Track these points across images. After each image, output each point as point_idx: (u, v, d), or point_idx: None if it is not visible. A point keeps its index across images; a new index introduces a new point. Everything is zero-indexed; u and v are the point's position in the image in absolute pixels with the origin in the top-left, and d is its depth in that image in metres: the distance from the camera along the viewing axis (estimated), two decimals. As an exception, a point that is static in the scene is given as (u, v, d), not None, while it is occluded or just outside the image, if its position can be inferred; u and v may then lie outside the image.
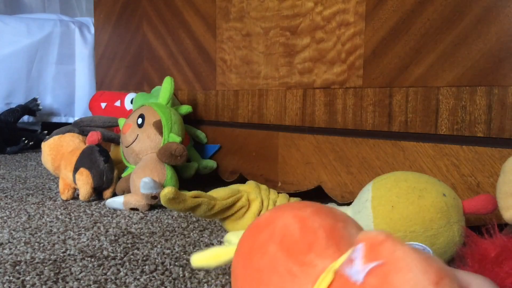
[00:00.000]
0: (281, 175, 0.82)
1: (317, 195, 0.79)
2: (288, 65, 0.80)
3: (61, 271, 0.52)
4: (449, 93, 0.59)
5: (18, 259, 0.56)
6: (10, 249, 0.59)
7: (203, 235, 0.66)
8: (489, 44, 0.55)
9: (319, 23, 0.74)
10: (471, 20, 0.57)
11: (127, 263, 0.55)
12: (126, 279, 0.50)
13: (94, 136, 0.88)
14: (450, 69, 0.59)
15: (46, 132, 1.76)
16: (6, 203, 0.84)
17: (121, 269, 0.53)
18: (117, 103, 1.19)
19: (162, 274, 0.52)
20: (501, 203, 0.43)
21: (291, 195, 0.60)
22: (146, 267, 0.54)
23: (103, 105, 1.22)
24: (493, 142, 0.56)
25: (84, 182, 0.84)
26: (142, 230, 0.68)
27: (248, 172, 0.89)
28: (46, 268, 0.53)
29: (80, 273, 0.52)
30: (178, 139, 0.85)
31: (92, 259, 0.56)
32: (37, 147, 1.69)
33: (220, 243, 0.63)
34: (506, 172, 0.43)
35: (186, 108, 0.96)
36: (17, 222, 0.72)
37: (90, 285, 0.49)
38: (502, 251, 0.37)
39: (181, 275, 0.52)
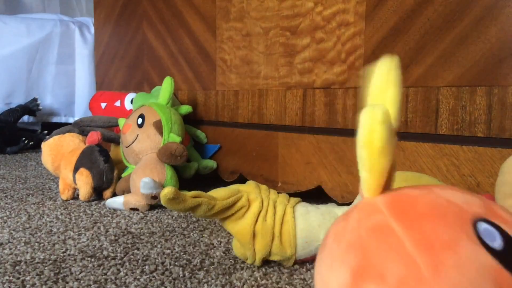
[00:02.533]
0: (281, 175, 0.82)
1: (317, 195, 0.79)
2: (288, 65, 0.80)
3: (61, 271, 0.52)
4: (449, 93, 0.59)
5: (18, 259, 0.56)
6: (10, 249, 0.59)
7: (203, 235, 0.66)
8: (489, 44, 0.55)
9: (319, 23, 0.74)
10: (471, 20, 0.57)
11: (127, 263, 0.55)
12: (126, 279, 0.50)
13: (94, 136, 0.88)
14: (450, 69, 0.59)
15: (46, 132, 1.76)
16: (6, 203, 0.84)
17: (121, 269, 0.53)
18: (117, 103, 1.19)
19: (162, 274, 0.52)
20: (500, 203, 0.43)
21: (291, 195, 0.60)
22: (146, 267, 0.54)
23: (103, 105, 1.22)
24: (493, 142, 0.56)
25: (84, 182, 0.84)
26: (142, 230, 0.68)
27: (248, 172, 0.89)
28: (46, 268, 0.53)
29: (80, 273, 0.52)
30: (178, 139, 0.85)
31: (92, 259, 0.56)
32: (37, 147, 1.69)
33: (220, 243, 0.63)
34: (505, 173, 0.43)
35: (186, 108, 0.96)
36: (17, 222, 0.72)
37: (90, 285, 0.49)
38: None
39: (181, 275, 0.52)
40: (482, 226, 0.24)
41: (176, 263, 0.55)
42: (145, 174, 0.80)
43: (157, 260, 0.56)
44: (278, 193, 0.57)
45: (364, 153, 0.25)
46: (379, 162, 0.25)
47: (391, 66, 0.28)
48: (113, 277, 0.51)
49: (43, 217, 0.75)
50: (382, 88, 0.28)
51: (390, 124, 0.25)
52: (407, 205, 0.25)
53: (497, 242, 0.23)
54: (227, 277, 0.51)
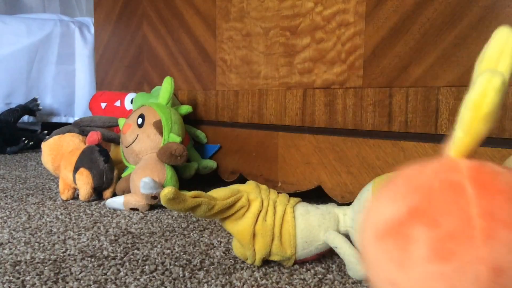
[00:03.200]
0: (281, 175, 0.82)
1: (317, 195, 0.79)
2: (288, 65, 0.80)
3: (61, 271, 0.52)
4: (449, 93, 0.59)
5: (18, 259, 0.56)
6: (10, 249, 0.59)
7: (203, 235, 0.66)
8: (489, 44, 0.55)
9: (319, 23, 0.74)
10: (471, 20, 0.57)
11: (127, 263, 0.55)
12: (126, 279, 0.50)
13: (94, 136, 0.88)
14: (450, 69, 0.59)
15: (46, 132, 1.76)
16: (6, 203, 0.84)
17: (121, 269, 0.53)
18: (117, 103, 1.19)
19: (162, 274, 0.52)
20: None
21: (291, 195, 0.60)
22: (146, 267, 0.54)
23: (103, 105, 1.22)
24: (493, 142, 0.56)
25: (84, 182, 0.84)
26: (142, 230, 0.68)
27: (248, 172, 0.89)
28: (46, 268, 0.53)
29: (80, 273, 0.52)
30: (178, 139, 0.85)
31: (92, 259, 0.56)
32: (37, 147, 1.69)
33: (220, 243, 0.63)
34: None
35: (186, 108, 0.96)
36: (17, 222, 0.72)
37: (90, 285, 0.49)
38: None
39: (181, 275, 0.52)
40: None
41: (176, 263, 0.55)
42: (145, 174, 0.80)
43: (157, 260, 0.56)
44: (278, 193, 0.57)
45: (469, 115, 0.25)
46: (479, 127, 0.25)
47: (508, 37, 0.27)
48: (113, 277, 0.51)
49: (43, 217, 0.75)
50: (495, 58, 0.28)
51: (503, 92, 0.25)
52: (488, 177, 0.25)
53: None
54: (227, 277, 0.51)
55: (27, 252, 0.58)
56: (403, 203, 0.26)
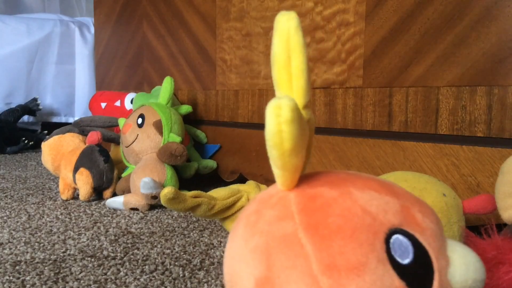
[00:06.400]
0: (281, 175, 0.82)
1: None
2: (288, 65, 0.80)
3: (61, 271, 0.52)
4: (449, 93, 0.59)
5: (18, 259, 0.56)
6: (10, 249, 0.59)
7: (203, 235, 0.66)
8: (489, 44, 0.55)
9: (319, 23, 0.74)
10: (471, 20, 0.57)
11: (127, 263, 0.55)
12: (126, 279, 0.50)
13: (94, 136, 0.88)
14: (450, 69, 0.59)
15: (46, 132, 1.76)
16: (6, 203, 0.84)
17: (121, 269, 0.53)
18: (117, 103, 1.19)
19: (162, 274, 0.52)
20: (500, 203, 0.43)
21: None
22: (146, 267, 0.54)
23: (103, 105, 1.22)
24: (493, 142, 0.56)
25: (84, 182, 0.84)
26: (142, 230, 0.68)
27: (248, 172, 0.89)
28: (46, 268, 0.53)
29: (80, 273, 0.52)
30: (178, 139, 0.85)
31: (92, 259, 0.56)
32: (37, 147, 1.69)
33: (220, 243, 0.63)
34: (505, 173, 0.43)
35: (186, 108, 0.96)
36: (17, 222, 0.72)
37: (90, 285, 0.49)
38: (499, 252, 0.37)
39: (181, 275, 0.52)
40: (396, 239, 0.23)
41: (176, 263, 0.55)
42: (145, 174, 0.80)
43: (157, 260, 0.56)
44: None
45: (275, 153, 0.23)
46: (291, 162, 0.23)
47: (289, 29, 0.24)
48: (113, 277, 0.51)
49: (43, 217, 0.75)
50: (284, 58, 0.24)
51: (300, 118, 0.22)
52: (320, 215, 0.24)
53: (409, 257, 0.23)
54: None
55: (27, 252, 0.58)
56: (249, 272, 0.24)
